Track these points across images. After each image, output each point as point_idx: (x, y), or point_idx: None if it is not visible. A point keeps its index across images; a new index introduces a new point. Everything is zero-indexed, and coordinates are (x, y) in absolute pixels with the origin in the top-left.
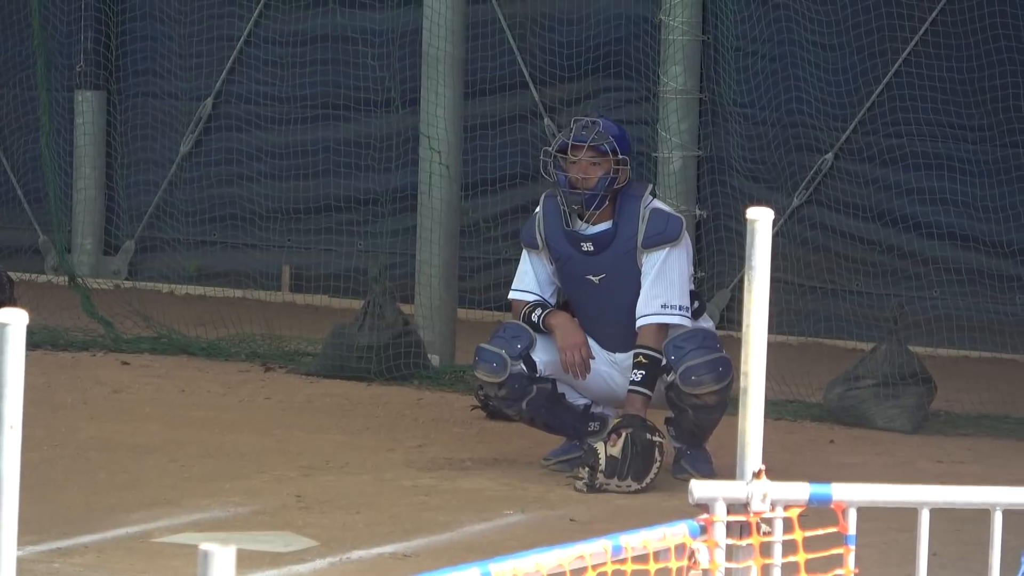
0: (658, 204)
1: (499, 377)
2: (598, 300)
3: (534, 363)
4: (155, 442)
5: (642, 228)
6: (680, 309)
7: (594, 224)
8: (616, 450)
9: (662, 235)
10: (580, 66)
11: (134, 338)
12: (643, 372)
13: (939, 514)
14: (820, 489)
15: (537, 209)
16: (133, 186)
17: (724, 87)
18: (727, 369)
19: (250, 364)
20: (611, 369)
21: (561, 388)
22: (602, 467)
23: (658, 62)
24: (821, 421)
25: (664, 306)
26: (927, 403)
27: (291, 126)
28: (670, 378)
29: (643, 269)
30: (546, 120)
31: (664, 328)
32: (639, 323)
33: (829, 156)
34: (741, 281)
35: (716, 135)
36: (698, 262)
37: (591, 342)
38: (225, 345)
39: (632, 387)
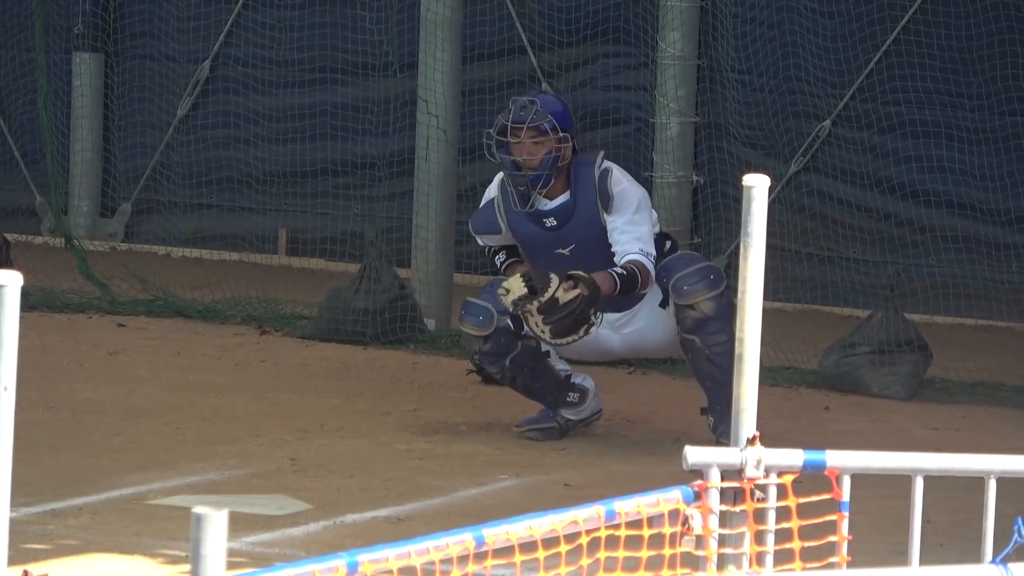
0: (610, 166)
1: (484, 330)
2: (577, 267)
3: (520, 320)
4: (150, 405)
5: (599, 190)
6: (650, 256)
7: (553, 199)
8: (564, 297)
9: (620, 194)
10: (578, 31)
11: (130, 300)
12: (626, 271)
13: (933, 481)
14: (814, 456)
15: (489, 194)
16: (130, 148)
17: (722, 53)
18: (719, 277)
19: (246, 327)
20: (599, 328)
21: (545, 347)
22: (542, 300)
23: (656, 28)
24: (816, 388)
25: (642, 251)
26: (922, 370)
27: (288, 90)
28: (670, 304)
29: (609, 225)
30: (544, 85)
31: (646, 267)
32: (625, 260)
33: (827, 123)
34: (737, 248)
35: (714, 101)
36: (694, 228)
37: None
38: (221, 308)
39: (612, 270)
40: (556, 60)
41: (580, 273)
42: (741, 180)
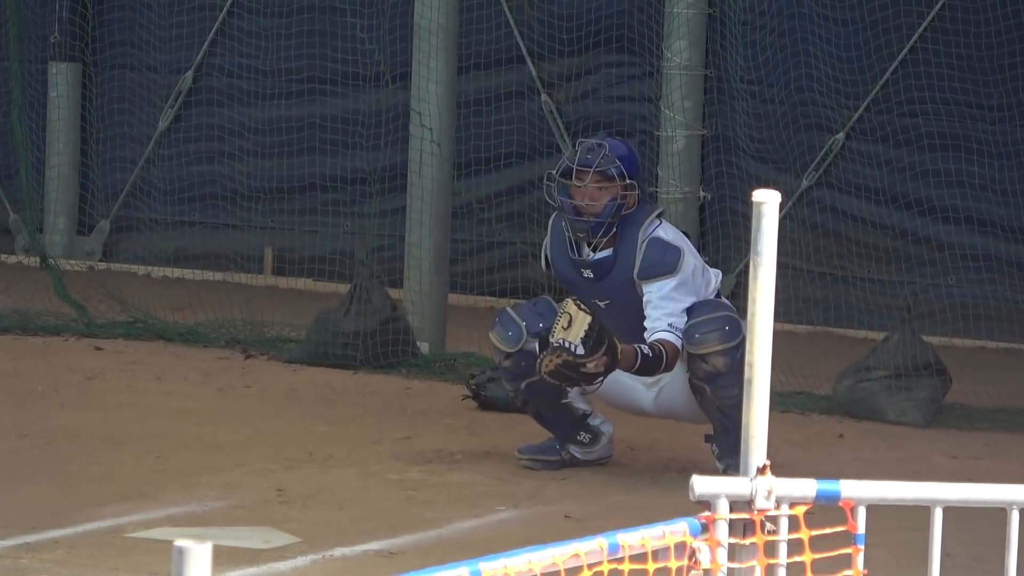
0: (660, 232)
1: (510, 347)
2: (609, 322)
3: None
4: (129, 432)
5: (638, 259)
6: (681, 332)
7: (596, 251)
8: (590, 368)
9: (658, 267)
10: (580, 40)
11: (108, 323)
12: (652, 352)
13: (953, 513)
14: (828, 486)
15: (547, 234)
16: (109, 163)
17: (730, 63)
18: (735, 328)
19: (230, 351)
20: (632, 381)
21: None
22: (576, 356)
23: (661, 36)
24: (830, 414)
25: (671, 328)
26: (941, 396)
27: (275, 101)
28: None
29: (645, 294)
30: (543, 96)
31: (675, 347)
32: (653, 337)
33: (840, 136)
34: (747, 267)
35: (722, 113)
36: (701, 247)
37: None
38: (203, 331)
39: (639, 347)
40: (556, 70)
41: (616, 341)
42: (750, 196)
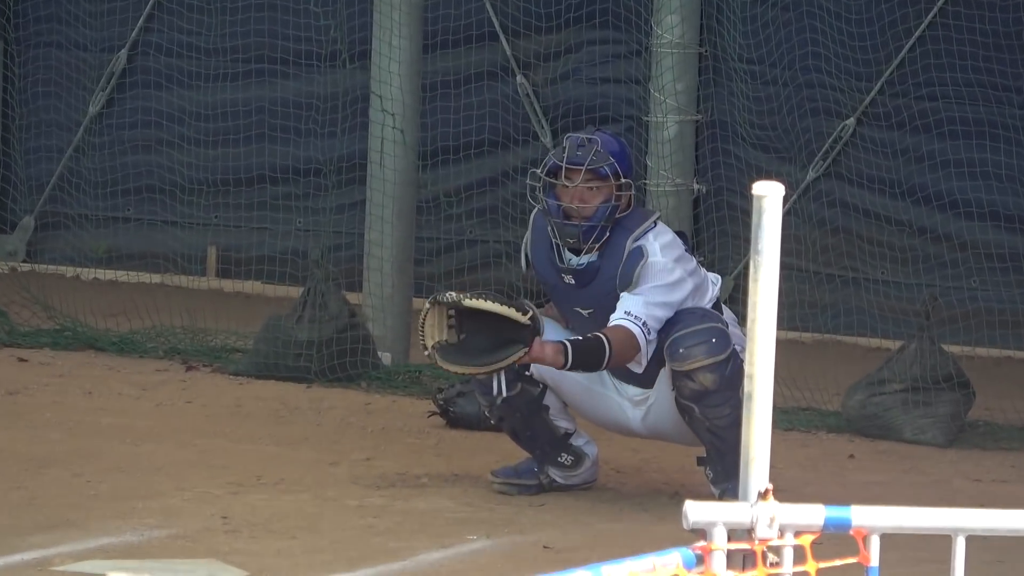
0: (646, 241)
1: None
2: (591, 332)
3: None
4: (56, 453)
5: (620, 269)
6: (643, 325)
7: (580, 256)
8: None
9: (629, 278)
10: (559, 15)
11: (32, 331)
12: (582, 341)
13: (977, 542)
14: (837, 512)
15: (528, 231)
16: (33, 152)
17: (728, 40)
18: (723, 341)
19: (169, 362)
20: (619, 398)
21: (547, 400)
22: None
23: (651, 10)
24: (839, 432)
25: (628, 316)
26: (964, 412)
27: (220, 83)
28: (666, 367)
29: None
30: (519, 78)
31: (626, 332)
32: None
33: (851, 121)
34: (746, 268)
35: (718, 96)
36: (695, 245)
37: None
38: (139, 340)
39: (565, 339)
40: (533, 48)
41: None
42: (750, 188)
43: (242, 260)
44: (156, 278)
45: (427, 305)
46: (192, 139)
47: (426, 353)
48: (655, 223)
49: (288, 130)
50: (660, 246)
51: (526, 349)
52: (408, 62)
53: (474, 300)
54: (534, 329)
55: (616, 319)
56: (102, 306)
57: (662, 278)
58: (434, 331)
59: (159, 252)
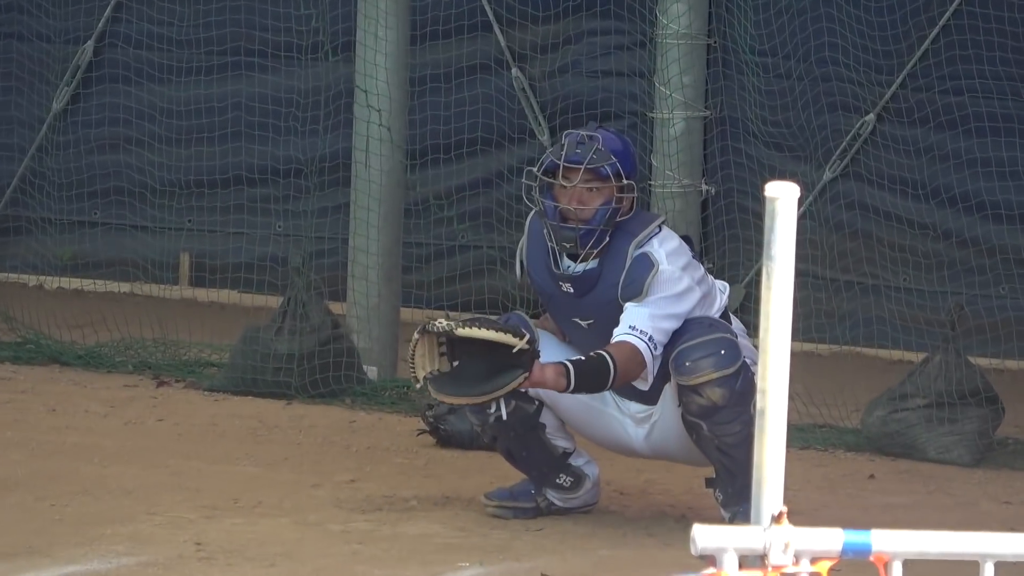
0: (651, 246)
1: None
2: (591, 345)
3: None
4: (18, 475)
5: (623, 277)
6: (649, 340)
7: (580, 263)
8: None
9: (636, 286)
10: (557, 3)
11: None
12: (584, 362)
13: (1007, 569)
14: (857, 537)
15: (524, 235)
16: None
17: (738, 30)
18: (733, 353)
19: (139, 377)
20: (621, 415)
21: (544, 418)
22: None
23: None
24: (859, 451)
25: (632, 331)
26: (992, 429)
27: (193, 77)
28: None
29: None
30: (514, 71)
31: (631, 349)
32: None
33: (871, 117)
34: (758, 275)
35: (728, 91)
36: (703, 251)
37: None
38: (107, 353)
39: (567, 360)
40: (529, 39)
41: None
42: (763, 190)
43: (217, 267)
44: (125, 287)
45: (416, 335)
46: (164, 137)
47: (417, 386)
48: (660, 227)
49: (266, 128)
50: (666, 253)
51: (526, 374)
52: (395, 54)
53: (467, 329)
54: (532, 352)
55: (620, 334)
56: (67, 317)
57: (669, 288)
58: (424, 361)
59: (128, 259)
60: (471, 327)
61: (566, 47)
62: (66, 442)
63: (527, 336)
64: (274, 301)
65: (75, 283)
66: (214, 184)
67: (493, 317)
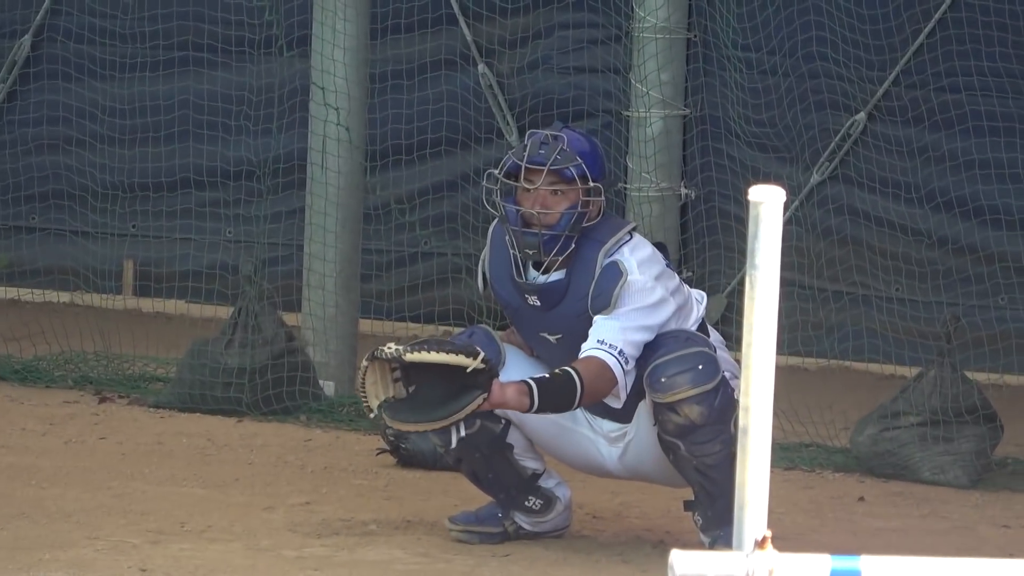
0: (621, 254)
1: None
2: (560, 361)
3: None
4: None
5: (592, 287)
6: (619, 354)
7: (546, 273)
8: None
9: (606, 297)
10: None
11: None
12: (548, 378)
13: None
14: (846, 563)
15: (487, 246)
16: None
17: (720, 24)
18: (711, 368)
19: (80, 392)
20: (593, 435)
21: (511, 438)
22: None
23: None
24: (848, 472)
25: (601, 345)
26: (990, 448)
27: (138, 73)
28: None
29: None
30: (481, 67)
31: (599, 364)
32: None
33: (861, 116)
34: (741, 284)
35: (709, 88)
36: (683, 258)
37: None
38: (45, 367)
39: (530, 379)
40: (497, 33)
41: (494, 365)
42: (746, 193)
43: (163, 276)
44: (65, 296)
45: (364, 363)
46: (106, 137)
47: (371, 415)
48: (631, 235)
49: (216, 127)
50: (637, 262)
51: (484, 395)
52: (354, 49)
53: (416, 353)
54: (490, 371)
55: (588, 349)
56: (2, 329)
57: (640, 299)
58: (377, 389)
59: (68, 267)
60: (420, 351)
61: (536, 42)
62: (1, 462)
63: (481, 355)
64: (224, 312)
65: (11, 292)
66: (160, 187)
67: (456, 331)
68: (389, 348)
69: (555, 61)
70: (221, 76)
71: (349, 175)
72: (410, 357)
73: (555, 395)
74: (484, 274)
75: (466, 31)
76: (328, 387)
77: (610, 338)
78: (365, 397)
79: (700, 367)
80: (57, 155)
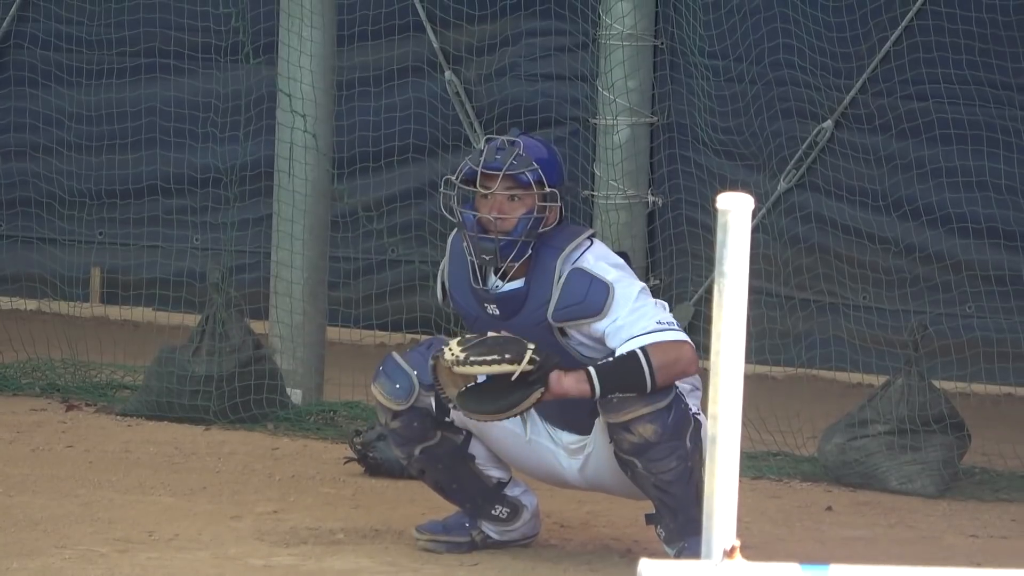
0: (585, 260)
1: (398, 404)
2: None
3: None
4: None
5: (554, 295)
6: (667, 324)
7: (505, 280)
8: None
9: (578, 308)
10: (494, 1)
11: None
12: (613, 363)
13: None
14: (814, 572)
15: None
16: None
17: (687, 31)
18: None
19: (46, 400)
20: (554, 446)
21: (473, 449)
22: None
23: None
24: (816, 481)
25: (660, 322)
26: (957, 457)
27: (104, 80)
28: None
29: (604, 335)
30: (448, 74)
31: (657, 340)
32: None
33: (828, 124)
34: (709, 292)
35: (676, 95)
36: (650, 266)
37: (531, 411)
38: (12, 375)
39: (593, 366)
40: (465, 40)
41: (550, 357)
42: (714, 201)
43: (131, 283)
44: (32, 304)
45: (431, 362)
46: (73, 144)
47: (451, 404)
48: (591, 240)
49: (183, 134)
50: (609, 264)
51: (542, 390)
52: (321, 56)
53: (464, 367)
54: (544, 367)
55: (626, 341)
56: None
57: (631, 290)
58: (454, 378)
59: (35, 274)
60: (469, 365)
61: (503, 49)
62: None
63: (528, 355)
64: (191, 319)
65: None
66: (127, 194)
67: (423, 339)
68: (450, 353)
69: (522, 68)
70: (188, 83)
71: (316, 182)
72: (459, 370)
73: (619, 376)
74: (443, 283)
75: (433, 38)
76: (295, 395)
77: (642, 324)
78: (443, 389)
79: None
80: (24, 162)
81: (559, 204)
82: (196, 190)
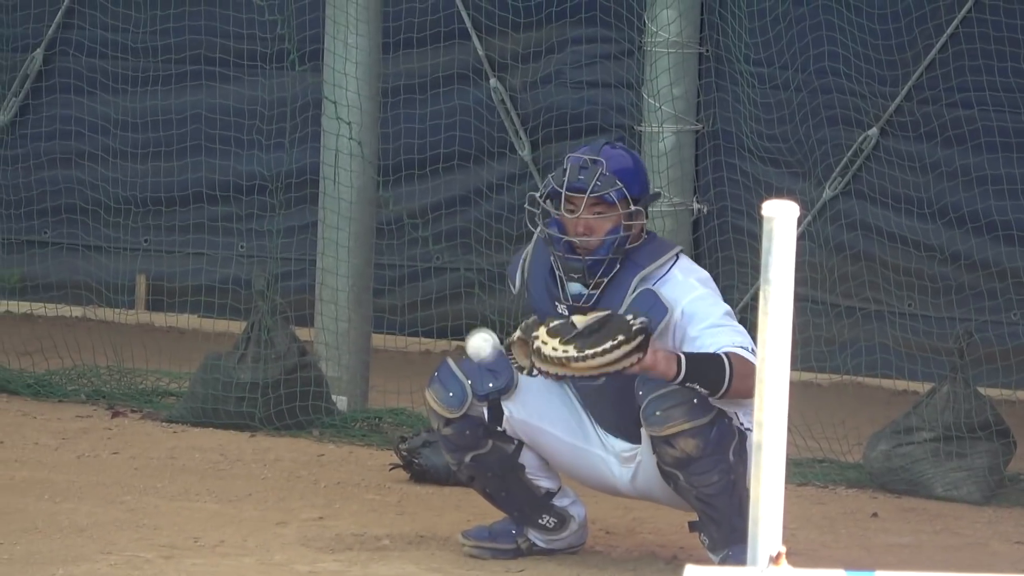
0: (672, 279)
1: (452, 412)
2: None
3: (501, 414)
4: None
5: (621, 309)
6: (748, 348)
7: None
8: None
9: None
10: (539, 9)
11: None
12: (706, 356)
13: None
14: None
15: (530, 245)
16: None
17: (732, 39)
18: (705, 401)
19: (92, 407)
20: (605, 454)
21: (524, 459)
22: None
23: (644, 4)
24: (861, 487)
25: (743, 347)
26: (1003, 464)
27: (150, 87)
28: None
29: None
30: (493, 82)
31: (740, 358)
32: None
33: (873, 132)
34: (754, 300)
35: (721, 103)
36: None
37: (584, 418)
38: (58, 381)
39: (686, 351)
40: (510, 48)
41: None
42: (759, 209)
43: (176, 290)
44: (77, 311)
45: (516, 336)
46: (118, 151)
47: (524, 373)
48: (677, 256)
49: (229, 141)
50: (697, 280)
51: (641, 355)
52: (366, 63)
53: (583, 363)
54: (648, 335)
55: (727, 347)
56: (15, 343)
57: (714, 309)
58: (527, 349)
59: (81, 281)
60: (586, 360)
61: (548, 56)
62: (14, 477)
63: (635, 327)
64: (237, 326)
65: (24, 307)
66: (172, 201)
67: (598, 316)
68: (551, 349)
69: (568, 75)
70: (233, 90)
71: (361, 189)
72: (578, 367)
73: (703, 368)
74: (523, 273)
75: (478, 46)
76: (341, 402)
77: (731, 338)
78: (515, 360)
79: (695, 401)
80: (70, 169)
81: (643, 221)
82: (242, 197)
